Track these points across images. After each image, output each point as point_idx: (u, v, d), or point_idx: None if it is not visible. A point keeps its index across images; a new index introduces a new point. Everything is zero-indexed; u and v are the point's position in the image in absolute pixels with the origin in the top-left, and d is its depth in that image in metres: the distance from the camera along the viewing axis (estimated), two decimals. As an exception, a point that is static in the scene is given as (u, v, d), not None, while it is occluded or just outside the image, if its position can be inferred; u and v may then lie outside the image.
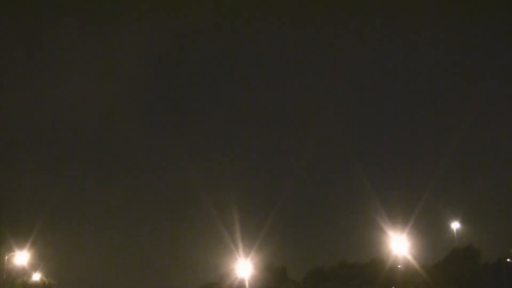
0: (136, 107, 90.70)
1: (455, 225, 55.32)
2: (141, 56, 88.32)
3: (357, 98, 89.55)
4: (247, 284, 52.25)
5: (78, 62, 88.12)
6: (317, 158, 76.02)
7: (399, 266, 52.52)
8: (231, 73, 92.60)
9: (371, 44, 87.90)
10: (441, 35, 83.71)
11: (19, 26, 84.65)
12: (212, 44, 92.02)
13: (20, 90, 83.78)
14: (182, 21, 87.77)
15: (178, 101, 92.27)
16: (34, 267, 52.34)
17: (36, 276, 52.94)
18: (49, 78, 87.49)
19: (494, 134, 74.88)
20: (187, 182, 71.45)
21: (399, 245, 51.52)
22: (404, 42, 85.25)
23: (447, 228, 55.43)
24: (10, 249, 49.06)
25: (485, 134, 74.76)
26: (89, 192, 74.19)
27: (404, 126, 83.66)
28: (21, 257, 49.34)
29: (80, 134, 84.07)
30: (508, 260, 53.12)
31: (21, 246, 49.75)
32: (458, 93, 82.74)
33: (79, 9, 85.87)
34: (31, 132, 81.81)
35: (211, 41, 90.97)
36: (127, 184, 76.35)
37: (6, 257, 48.43)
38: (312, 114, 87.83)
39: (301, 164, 72.63)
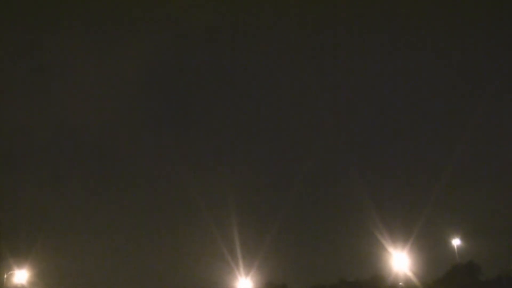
0: (136, 116, 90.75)
1: (456, 242, 55.28)
2: (141, 64, 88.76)
3: (358, 109, 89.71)
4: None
5: (79, 72, 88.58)
6: (317, 174, 75.97)
7: (400, 284, 52.34)
8: (231, 81, 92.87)
9: (371, 47, 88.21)
10: (443, 37, 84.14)
11: (21, 32, 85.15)
12: (213, 50, 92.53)
13: (20, 100, 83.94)
14: (183, 27, 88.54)
15: (179, 110, 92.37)
16: (33, 285, 51.92)
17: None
18: (50, 86, 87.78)
19: (495, 149, 75.04)
20: (186, 198, 71.30)
21: (399, 262, 51.55)
22: (405, 45, 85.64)
23: (447, 244, 55.39)
24: (9, 268, 48.78)
25: (487, 150, 74.89)
26: (88, 209, 73.80)
27: (404, 140, 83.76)
28: (20, 276, 49.02)
29: (79, 146, 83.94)
30: (510, 275, 53.07)
31: (20, 265, 49.51)
32: (461, 103, 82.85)
33: (81, 14, 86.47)
34: (30, 144, 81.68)
35: (211, 48, 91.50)
36: (126, 199, 76.02)
37: (5, 276, 48.13)
38: (313, 125, 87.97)
39: (301, 181, 72.54)
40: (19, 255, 50.30)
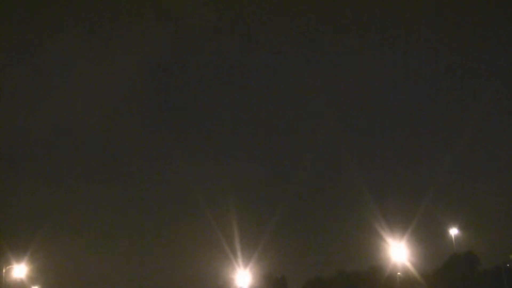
0: (136, 115, 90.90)
1: (454, 232, 55.24)
2: (141, 63, 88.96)
3: (357, 106, 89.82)
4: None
5: (79, 72, 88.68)
6: (316, 167, 76.08)
7: (398, 274, 52.44)
8: (230, 80, 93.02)
9: (371, 47, 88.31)
10: (443, 37, 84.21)
11: (21, 32, 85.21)
12: (213, 50, 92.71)
13: (19, 100, 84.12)
14: (182, 27, 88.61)
15: (179, 108, 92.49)
16: (32, 280, 52.10)
17: (35, 290, 52.73)
18: (50, 86, 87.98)
19: (493, 142, 75.21)
20: (186, 192, 71.51)
21: (398, 252, 51.55)
22: (404, 44, 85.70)
23: (445, 234, 55.41)
24: (8, 262, 48.83)
25: (484, 142, 75.05)
26: (87, 204, 74.12)
27: (403, 133, 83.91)
28: (19, 270, 49.09)
29: (79, 144, 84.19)
30: (507, 265, 53.11)
31: (19, 259, 49.59)
32: (459, 99, 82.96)
33: (81, 14, 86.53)
34: (29, 142, 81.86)
35: (211, 47, 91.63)
36: (126, 195, 76.32)
37: (4, 270, 48.19)
38: (312, 121, 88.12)
39: (300, 174, 72.71)
40: (18, 249, 50.47)
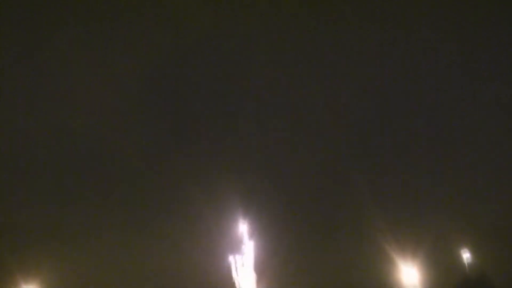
0: (136, 115, 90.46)
1: (466, 254, 54.57)
2: (141, 63, 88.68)
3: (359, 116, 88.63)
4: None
5: (78, 73, 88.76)
6: (321, 182, 75.20)
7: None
8: (231, 80, 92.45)
9: (371, 47, 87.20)
10: (443, 37, 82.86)
11: (22, 34, 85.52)
12: (213, 52, 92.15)
13: (19, 100, 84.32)
14: (182, 27, 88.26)
15: (178, 109, 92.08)
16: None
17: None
18: (50, 87, 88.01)
19: (494, 143, 73.81)
20: (189, 203, 71.00)
21: (409, 276, 50.98)
22: (404, 44, 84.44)
23: (458, 257, 54.69)
24: (17, 286, 49.12)
25: (485, 142, 73.65)
26: (87, 204, 73.85)
27: (403, 133, 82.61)
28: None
29: (79, 144, 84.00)
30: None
31: (28, 281, 49.87)
32: (463, 103, 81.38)
33: (80, 15, 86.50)
34: (30, 142, 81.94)
35: (211, 48, 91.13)
36: (130, 209, 75.96)
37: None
38: (312, 122, 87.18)
39: (304, 189, 71.89)
40: (27, 270, 50.68)
